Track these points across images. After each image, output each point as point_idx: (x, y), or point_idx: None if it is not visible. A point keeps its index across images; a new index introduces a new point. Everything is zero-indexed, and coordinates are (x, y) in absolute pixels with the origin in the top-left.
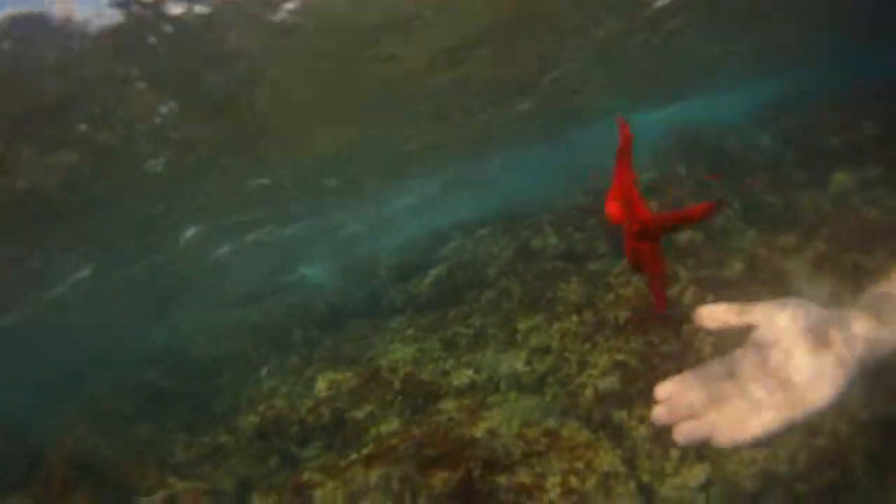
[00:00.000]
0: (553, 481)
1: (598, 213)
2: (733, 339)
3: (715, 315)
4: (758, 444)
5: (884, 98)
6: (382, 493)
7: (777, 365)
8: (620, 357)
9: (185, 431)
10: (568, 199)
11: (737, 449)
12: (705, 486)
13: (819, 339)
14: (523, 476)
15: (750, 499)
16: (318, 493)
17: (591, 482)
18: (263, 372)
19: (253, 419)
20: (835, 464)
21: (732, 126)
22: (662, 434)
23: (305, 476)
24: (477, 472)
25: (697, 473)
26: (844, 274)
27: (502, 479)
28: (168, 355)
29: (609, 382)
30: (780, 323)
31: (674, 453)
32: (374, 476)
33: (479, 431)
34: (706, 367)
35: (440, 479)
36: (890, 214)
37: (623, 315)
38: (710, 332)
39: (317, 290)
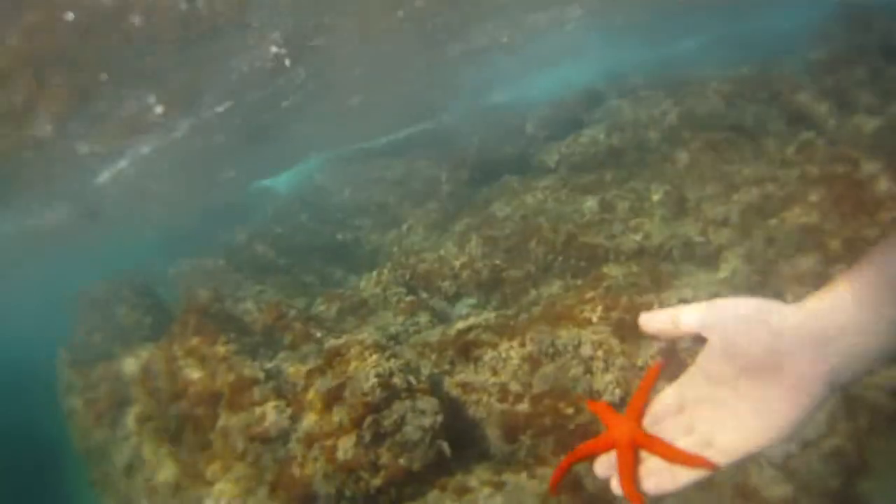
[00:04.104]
0: None
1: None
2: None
3: (652, 324)
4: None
5: None
6: (572, 358)
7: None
8: (810, 219)
9: (324, 285)
10: (734, 70)
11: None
12: None
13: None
14: None
15: None
16: (487, 354)
17: None
18: (405, 227)
19: (401, 272)
20: None
21: None
22: None
23: (472, 335)
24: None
25: None
26: None
27: None
28: (305, 205)
29: (805, 263)
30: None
31: None
32: (562, 338)
33: (671, 299)
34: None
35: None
36: None
37: (815, 193)
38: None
39: (457, 140)
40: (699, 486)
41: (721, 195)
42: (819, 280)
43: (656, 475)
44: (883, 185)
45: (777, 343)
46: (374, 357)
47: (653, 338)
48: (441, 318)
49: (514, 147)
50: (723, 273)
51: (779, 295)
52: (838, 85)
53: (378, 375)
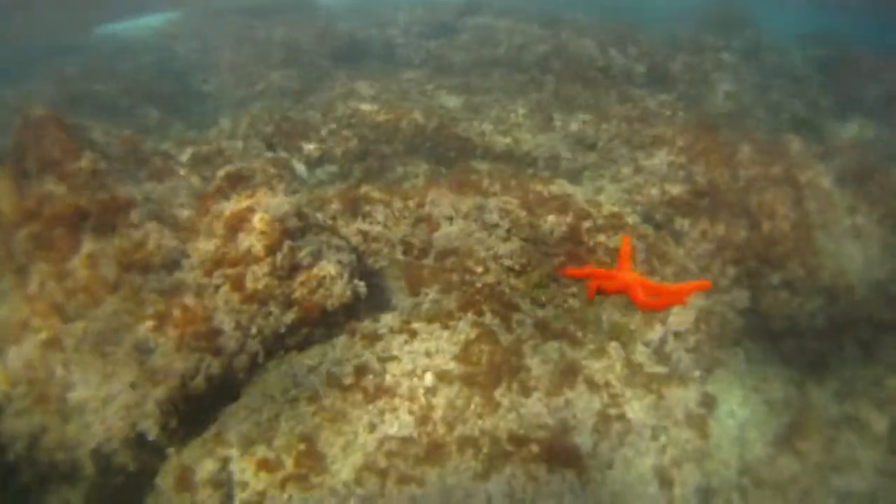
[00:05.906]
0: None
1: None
2: None
3: None
4: None
5: None
6: (474, 221)
7: None
8: (679, 159)
9: (164, 133)
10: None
11: None
12: None
13: None
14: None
15: None
16: (379, 210)
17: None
18: (258, 87)
19: (262, 126)
20: None
21: None
22: None
23: (363, 189)
24: (586, 225)
25: None
26: None
27: (601, 238)
28: (154, 49)
29: (674, 190)
30: None
31: None
32: (466, 203)
33: (554, 189)
34: None
35: (552, 223)
36: None
37: (682, 140)
38: None
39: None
40: None
41: (590, 122)
42: (687, 207)
43: None
44: (745, 151)
45: None
46: (283, 186)
47: None
48: (300, 182)
49: (383, 36)
50: (587, 187)
51: (648, 212)
52: (701, 64)
53: (291, 204)
